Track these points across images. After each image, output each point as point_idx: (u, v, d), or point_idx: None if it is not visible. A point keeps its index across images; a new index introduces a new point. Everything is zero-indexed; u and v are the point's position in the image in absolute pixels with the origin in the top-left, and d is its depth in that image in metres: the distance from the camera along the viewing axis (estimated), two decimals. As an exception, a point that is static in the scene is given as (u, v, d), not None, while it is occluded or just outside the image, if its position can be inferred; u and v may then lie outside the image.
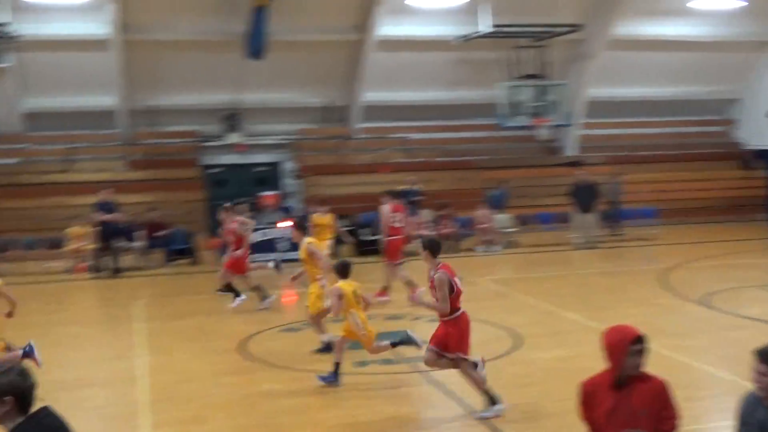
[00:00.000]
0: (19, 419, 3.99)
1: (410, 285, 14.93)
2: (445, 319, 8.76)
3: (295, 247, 16.99)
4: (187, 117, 25.63)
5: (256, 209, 23.08)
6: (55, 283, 19.50)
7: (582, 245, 22.40)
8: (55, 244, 21.27)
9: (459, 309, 8.82)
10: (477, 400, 9.02)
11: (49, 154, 25.23)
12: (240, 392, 10.10)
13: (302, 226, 12.81)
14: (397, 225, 15.65)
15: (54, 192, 23.86)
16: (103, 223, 19.90)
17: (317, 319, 11.68)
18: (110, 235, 20.00)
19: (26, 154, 25.24)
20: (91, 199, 22.91)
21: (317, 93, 26.58)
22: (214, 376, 10.89)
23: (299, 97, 26.40)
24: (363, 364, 11.02)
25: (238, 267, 15.09)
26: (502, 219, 23.62)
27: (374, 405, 9.32)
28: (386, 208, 15.67)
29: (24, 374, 4.09)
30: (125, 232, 20.95)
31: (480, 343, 12.06)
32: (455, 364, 8.80)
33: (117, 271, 20.00)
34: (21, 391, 4.00)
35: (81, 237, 20.73)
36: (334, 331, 11.00)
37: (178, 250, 21.70)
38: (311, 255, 12.08)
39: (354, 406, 8.74)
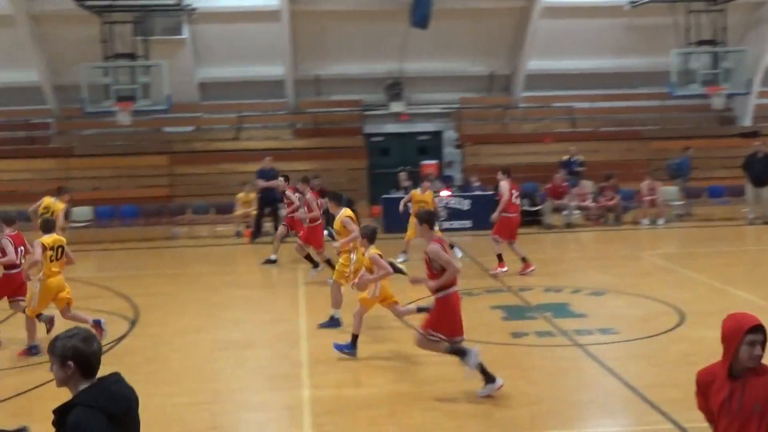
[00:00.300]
0: (83, 384, 4.01)
1: (525, 261, 15.24)
2: (437, 296, 8.54)
3: (457, 215, 17.18)
4: (352, 86, 25.99)
5: (416, 178, 23.24)
6: (224, 246, 20.31)
7: (756, 221, 21.24)
8: (225, 209, 22.15)
9: (452, 287, 8.52)
10: (637, 376, 8.78)
11: (221, 122, 26.24)
12: (397, 358, 10.22)
13: (338, 197, 12.88)
14: (515, 202, 15.67)
15: (225, 159, 24.84)
16: (263, 190, 20.57)
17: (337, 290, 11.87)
18: (270, 201, 20.62)
19: (200, 123, 26.36)
20: (260, 167, 23.77)
21: (480, 61, 26.31)
22: (372, 342, 11.06)
23: (462, 66, 26.22)
24: (520, 335, 10.92)
25: (313, 239, 15.41)
26: (669, 191, 22.72)
27: (529, 377, 9.21)
28: (505, 185, 15.60)
29: (88, 340, 4.04)
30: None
31: (644, 318, 11.73)
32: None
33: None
34: (84, 356, 3.99)
35: (249, 203, 21.50)
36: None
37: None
38: (344, 227, 12.15)
39: (508, 376, 8.64)
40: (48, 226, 11.36)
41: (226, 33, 24.24)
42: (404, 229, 16.69)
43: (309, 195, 15.52)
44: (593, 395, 8.76)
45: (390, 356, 10.33)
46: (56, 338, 4.06)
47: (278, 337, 11.57)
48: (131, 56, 21.55)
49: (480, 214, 20.37)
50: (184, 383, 9.61)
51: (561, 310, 12.30)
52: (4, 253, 11.20)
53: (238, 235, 21.30)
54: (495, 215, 15.66)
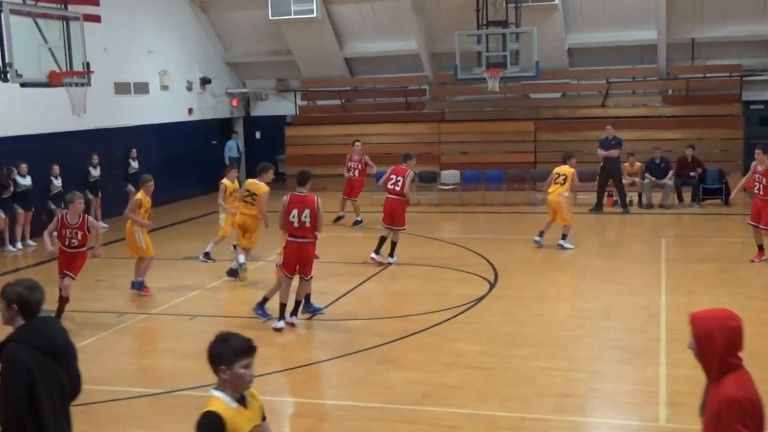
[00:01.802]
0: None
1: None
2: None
3: None
4: (731, 49, 24.26)
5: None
6: (582, 215, 20.00)
7: None
8: (588, 177, 21.71)
9: (291, 236, 10.56)
10: None
11: (588, 88, 25.91)
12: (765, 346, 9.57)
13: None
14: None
15: (590, 126, 24.46)
16: (605, 160, 20.15)
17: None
18: (611, 171, 20.17)
19: (567, 89, 26.24)
20: (627, 135, 23.16)
21: None
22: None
23: None
24: None
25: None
26: None
27: None
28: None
29: (32, 289, 4.78)
30: (662, 170, 20.83)
31: None
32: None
33: (626, 207, 20.15)
34: (26, 301, 4.72)
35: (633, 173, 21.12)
36: None
37: (710, 189, 20.92)
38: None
39: None
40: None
41: (600, -4, 23.84)
42: None
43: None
44: None
45: (755, 342, 9.67)
46: (6, 284, 4.83)
47: (636, 310, 11.33)
48: (503, 23, 21.95)
49: None
50: (539, 347, 9.79)
51: None
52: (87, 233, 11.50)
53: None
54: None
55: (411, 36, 25.36)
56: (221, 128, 27.74)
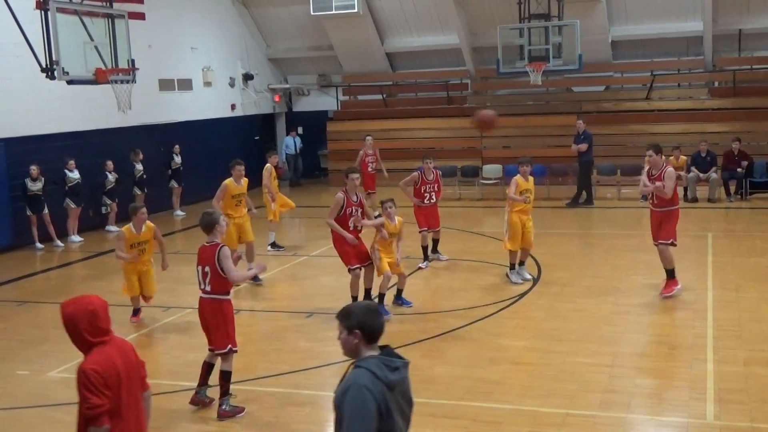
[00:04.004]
0: None
1: None
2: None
3: None
4: (780, 41, 23.87)
5: None
6: (629, 209, 19.93)
7: None
8: (632, 172, 21.61)
9: (349, 228, 10.92)
10: None
11: (632, 81, 25.61)
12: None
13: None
14: None
15: (634, 119, 24.23)
16: (581, 154, 20.11)
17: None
18: (580, 165, 20.22)
19: (611, 82, 25.95)
20: (672, 128, 22.85)
21: None
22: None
23: None
24: None
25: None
26: None
27: None
28: None
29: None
30: (708, 164, 20.51)
31: None
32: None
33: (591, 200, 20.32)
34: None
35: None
36: None
37: (758, 183, 20.54)
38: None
39: None
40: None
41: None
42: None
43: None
44: None
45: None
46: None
47: (682, 306, 11.18)
48: (545, 16, 21.77)
49: None
50: (583, 343, 9.71)
51: None
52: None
53: (644, 198, 20.75)
54: None
55: (452, 30, 25.29)
56: (263, 124, 27.89)
